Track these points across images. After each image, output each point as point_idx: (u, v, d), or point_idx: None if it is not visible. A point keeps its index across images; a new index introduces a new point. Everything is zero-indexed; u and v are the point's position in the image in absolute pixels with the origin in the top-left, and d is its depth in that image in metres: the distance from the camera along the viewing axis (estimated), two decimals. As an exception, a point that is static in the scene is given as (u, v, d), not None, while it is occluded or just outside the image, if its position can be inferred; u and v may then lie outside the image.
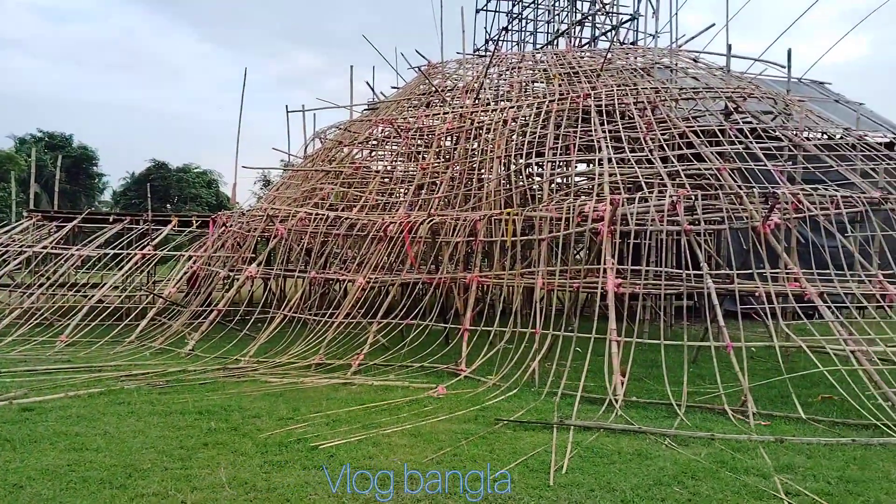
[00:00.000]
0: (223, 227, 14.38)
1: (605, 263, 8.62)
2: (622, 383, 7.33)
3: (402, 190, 13.61)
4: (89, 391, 7.68)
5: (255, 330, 11.33)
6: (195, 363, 9.72)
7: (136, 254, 14.56)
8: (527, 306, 9.76)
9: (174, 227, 16.28)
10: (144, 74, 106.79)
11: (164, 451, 5.39)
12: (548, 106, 12.80)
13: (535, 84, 15.27)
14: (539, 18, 25.71)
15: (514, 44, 26.05)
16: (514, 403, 7.26)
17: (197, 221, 16.21)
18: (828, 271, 8.82)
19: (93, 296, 13.52)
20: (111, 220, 16.46)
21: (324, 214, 12.07)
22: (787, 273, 8.63)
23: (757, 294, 8.33)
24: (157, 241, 15.27)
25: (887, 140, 16.61)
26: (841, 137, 12.72)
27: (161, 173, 60.29)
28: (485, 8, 26.58)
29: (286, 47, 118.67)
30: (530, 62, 16.91)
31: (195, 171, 63.80)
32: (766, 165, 10.62)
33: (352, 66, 17.03)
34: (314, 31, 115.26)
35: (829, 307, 7.85)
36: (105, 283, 14.29)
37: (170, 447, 5.51)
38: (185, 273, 14.08)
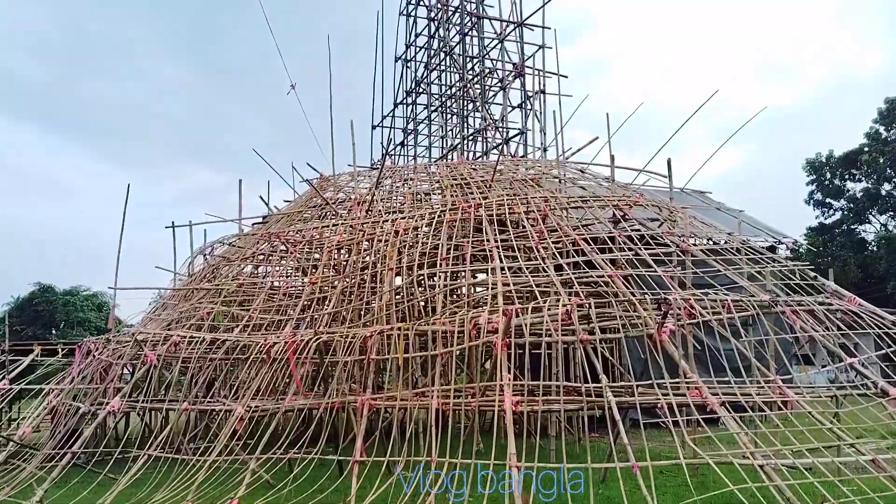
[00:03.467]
0: (90, 356, 13.00)
1: (500, 379, 8.05)
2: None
3: (295, 306, 12.80)
4: None
5: (123, 470, 9.94)
6: (37, 519, 8.28)
7: (-14, 389, 12.89)
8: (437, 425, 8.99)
9: (37, 356, 14.71)
10: (35, 195, 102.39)
11: None
12: (439, 216, 12.57)
13: (428, 195, 15.14)
14: (434, 134, 26.32)
15: (410, 158, 26.42)
16: (404, 548, 6.36)
17: (63, 349, 14.74)
18: (727, 378, 8.59)
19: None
20: (-38, 352, 14.72)
21: (200, 337, 11.07)
22: (687, 382, 8.32)
23: (659, 406, 7.94)
24: (14, 373, 13.65)
25: (769, 244, 17.32)
26: (725, 242, 13.02)
27: (46, 297, 56.61)
28: (381, 124, 27.03)
29: (187, 165, 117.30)
30: (423, 174, 16.90)
31: (84, 293, 60.32)
32: (655, 271, 10.59)
33: (241, 181, 16.43)
34: (216, 149, 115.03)
35: (732, 418, 7.51)
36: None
37: None
38: (44, 409, 12.49)
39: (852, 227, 42.51)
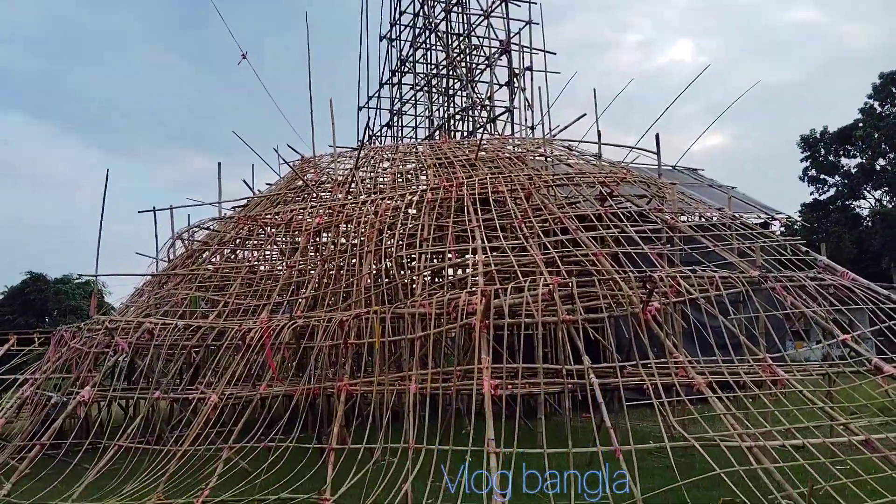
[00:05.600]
0: (66, 345, 12.64)
1: (479, 362, 7.72)
2: (501, 505, 6.30)
3: (275, 291, 12.41)
4: None
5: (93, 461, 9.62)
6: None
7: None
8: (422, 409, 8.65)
9: (13, 345, 14.35)
10: (25, 185, 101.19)
11: None
12: (421, 196, 12.18)
13: (410, 175, 14.73)
14: (420, 114, 25.84)
15: (398, 139, 25.97)
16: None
17: (39, 338, 14.38)
18: (714, 358, 8.27)
19: None
20: (-66, 342, 14.34)
21: (173, 324, 10.71)
22: (673, 362, 8.00)
23: (644, 388, 7.64)
24: (-11, 363, 13.31)
25: (761, 220, 16.98)
26: (716, 219, 12.67)
27: (38, 286, 56.12)
28: (367, 105, 26.54)
29: (180, 152, 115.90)
30: (407, 154, 16.47)
31: (76, 281, 59.82)
32: (642, 249, 10.24)
33: (220, 164, 16.00)
34: (208, 136, 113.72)
35: (719, 398, 7.19)
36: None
37: None
38: (17, 400, 12.15)
39: (847, 202, 42.20)
